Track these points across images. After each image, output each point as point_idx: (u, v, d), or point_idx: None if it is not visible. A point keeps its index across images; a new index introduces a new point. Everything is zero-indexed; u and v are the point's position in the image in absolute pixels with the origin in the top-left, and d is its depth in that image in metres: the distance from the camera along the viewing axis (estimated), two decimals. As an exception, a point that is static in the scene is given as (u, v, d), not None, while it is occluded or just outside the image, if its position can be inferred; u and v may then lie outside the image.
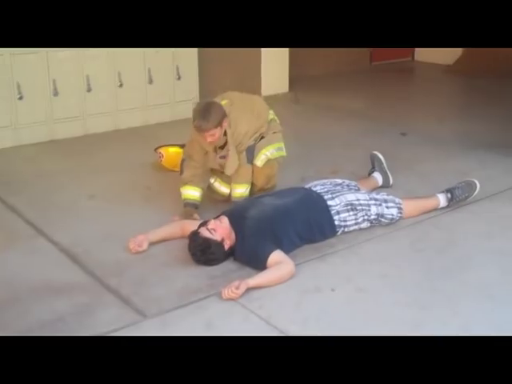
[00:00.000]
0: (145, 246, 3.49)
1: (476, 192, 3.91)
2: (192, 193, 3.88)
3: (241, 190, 3.92)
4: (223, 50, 5.56)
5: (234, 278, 3.11)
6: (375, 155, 4.35)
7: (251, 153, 3.90)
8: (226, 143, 3.83)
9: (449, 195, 3.87)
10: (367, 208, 3.61)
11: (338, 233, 3.58)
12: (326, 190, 3.66)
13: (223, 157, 3.87)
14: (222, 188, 4.07)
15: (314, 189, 3.68)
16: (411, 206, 3.79)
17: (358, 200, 3.60)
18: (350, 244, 3.52)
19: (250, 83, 6.97)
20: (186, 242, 3.38)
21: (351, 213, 3.57)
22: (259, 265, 3.20)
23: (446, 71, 8.00)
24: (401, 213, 3.72)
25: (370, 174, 4.32)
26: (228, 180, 4.01)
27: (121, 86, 5.82)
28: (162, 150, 4.76)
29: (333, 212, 3.54)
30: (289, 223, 3.41)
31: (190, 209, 3.86)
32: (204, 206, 3.97)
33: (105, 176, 4.67)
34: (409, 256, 3.40)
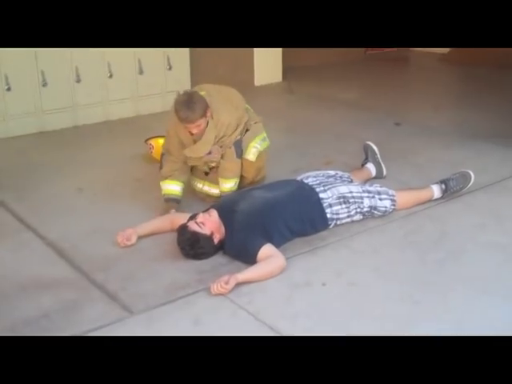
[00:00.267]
0: (133, 239, 3.42)
1: (471, 183, 3.85)
2: (172, 187, 3.79)
3: (229, 185, 3.85)
4: (215, 39, 5.48)
5: (224, 272, 3.05)
6: (368, 146, 4.29)
7: (239, 147, 3.82)
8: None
9: (443, 186, 3.80)
10: (360, 200, 3.54)
11: (331, 226, 3.52)
12: (318, 182, 3.60)
13: (209, 152, 3.75)
14: (213, 190, 3.96)
15: (306, 181, 3.61)
16: (405, 198, 3.73)
17: (350, 192, 3.54)
18: (342, 237, 3.46)
19: (243, 73, 6.90)
20: (176, 235, 3.31)
21: (344, 205, 3.51)
22: (249, 259, 3.14)
23: (442, 60, 7.92)
24: (394, 205, 3.66)
25: (363, 165, 4.25)
26: (216, 180, 3.91)
27: (111, 76, 5.74)
28: (153, 142, 4.69)
29: (325, 205, 3.47)
30: (279, 217, 3.34)
31: (171, 204, 3.78)
32: (193, 199, 3.90)
33: (94, 168, 4.60)
34: (402, 248, 3.33)
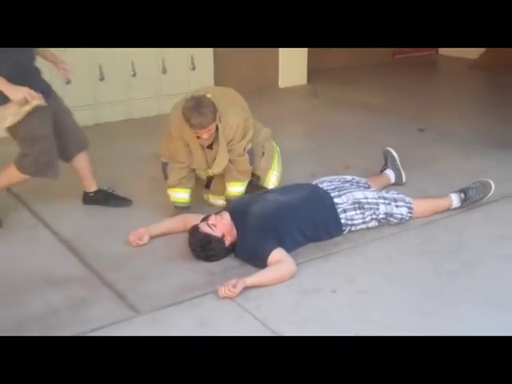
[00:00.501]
0: (145, 239, 3.42)
1: (491, 193, 3.76)
2: (180, 195, 3.73)
3: (239, 189, 3.78)
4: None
5: (234, 275, 3.03)
6: (388, 151, 4.22)
7: (251, 154, 3.74)
8: (213, 142, 3.62)
9: (462, 195, 3.73)
10: (375, 207, 3.49)
11: (345, 231, 3.47)
12: (333, 186, 3.55)
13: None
14: (219, 202, 3.89)
15: (321, 185, 3.57)
16: (422, 206, 3.66)
17: (366, 198, 3.48)
18: (356, 243, 3.41)
19: (267, 74, 6.88)
20: (188, 236, 3.30)
21: (358, 211, 3.46)
22: (259, 262, 3.11)
23: (471, 66, 7.79)
24: (411, 212, 3.59)
25: (382, 171, 4.19)
26: (219, 191, 3.86)
27: (134, 75, 5.77)
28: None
29: (339, 210, 3.43)
30: (292, 221, 3.31)
31: (181, 211, 3.73)
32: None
33: (113, 166, 4.62)
34: (416, 258, 3.27)
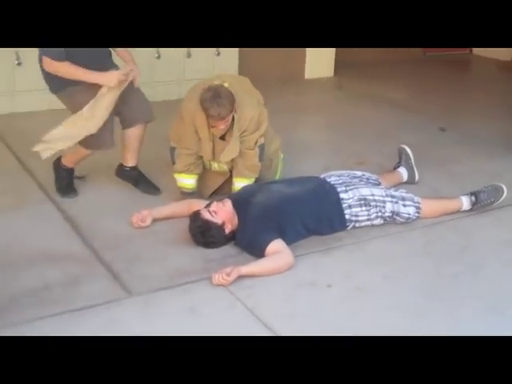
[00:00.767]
0: (148, 221, 3.42)
1: (503, 197, 3.65)
2: (187, 182, 3.70)
3: (243, 185, 3.65)
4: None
5: (231, 263, 3.01)
6: (403, 149, 4.14)
7: (263, 150, 3.66)
8: (226, 132, 3.57)
9: (473, 198, 3.64)
10: (382, 204, 3.43)
11: (349, 227, 3.42)
12: (340, 181, 3.50)
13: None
14: (221, 166, 3.75)
15: (329, 179, 3.52)
16: (431, 207, 3.59)
17: (372, 195, 3.42)
18: (359, 240, 3.36)
19: (294, 64, 6.81)
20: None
21: (364, 208, 3.40)
22: (257, 252, 3.09)
23: (502, 67, 7.61)
24: (418, 212, 3.52)
25: (395, 169, 4.11)
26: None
27: (158, 57, 5.75)
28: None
29: (344, 205, 3.38)
30: (295, 213, 3.27)
31: (188, 197, 3.70)
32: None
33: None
34: (418, 258, 3.21)
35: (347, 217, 3.39)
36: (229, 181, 3.80)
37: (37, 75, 5.24)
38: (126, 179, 3.90)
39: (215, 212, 3.19)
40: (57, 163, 3.83)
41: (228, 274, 2.86)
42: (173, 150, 3.71)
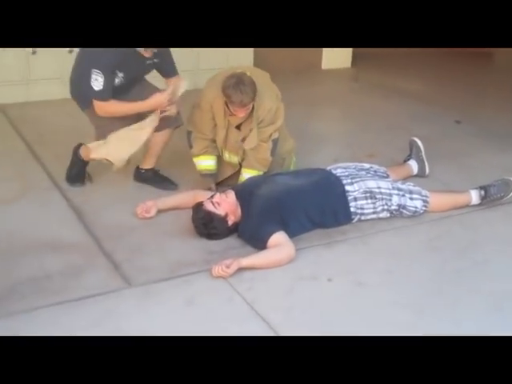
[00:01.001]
0: (152, 212, 3.41)
1: (513, 192, 3.60)
2: (207, 163, 3.71)
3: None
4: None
5: (233, 255, 2.99)
6: (414, 142, 4.08)
7: (276, 145, 3.64)
8: (242, 123, 3.58)
9: (482, 193, 3.57)
10: (388, 197, 3.38)
11: (354, 220, 3.39)
12: (346, 173, 3.46)
13: (244, 139, 3.60)
14: (232, 157, 3.76)
15: (335, 171, 3.48)
16: (439, 200, 3.53)
17: (378, 188, 3.38)
18: (364, 233, 3.32)
19: (311, 55, 6.76)
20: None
21: (369, 201, 3.36)
22: (259, 244, 3.06)
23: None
24: (426, 206, 3.47)
25: (405, 161, 4.06)
26: (235, 150, 3.72)
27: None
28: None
29: (350, 198, 3.34)
30: (299, 206, 3.24)
31: (209, 179, 3.73)
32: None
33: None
34: (422, 253, 3.16)
35: (352, 209, 3.35)
36: (237, 173, 3.79)
37: (51, 64, 5.34)
38: (144, 181, 3.86)
39: (218, 203, 3.18)
40: (76, 149, 3.82)
41: (228, 266, 2.84)
42: (189, 133, 3.71)
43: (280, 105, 3.67)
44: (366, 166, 3.66)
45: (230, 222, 3.20)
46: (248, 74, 3.49)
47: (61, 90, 5.29)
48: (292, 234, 3.14)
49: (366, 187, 3.36)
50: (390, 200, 3.38)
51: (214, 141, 3.70)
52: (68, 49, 5.20)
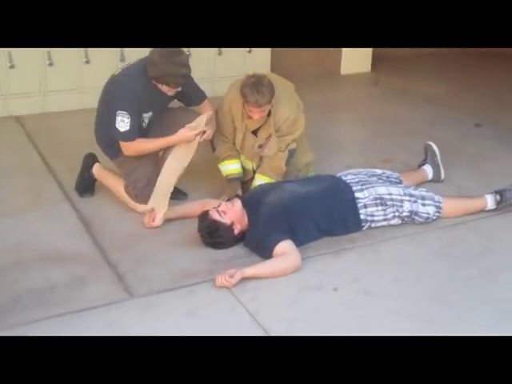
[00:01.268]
0: (159, 221, 3.39)
1: (530, 197, 3.48)
2: (233, 167, 3.67)
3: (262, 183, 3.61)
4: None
5: (238, 265, 2.95)
6: (429, 146, 3.99)
7: (292, 156, 3.61)
8: (259, 128, 3.56)
9: (498, 197, 3.47)
10: (399, 204, 3.31)
11: (364, 227, 3.32)
12: (356, 180, 3.39)
13: (260, 146, 3.57)
14: (246, 162, 3.73)
15: (345, 178, 3.42)
16: (452, 206, 3.45)
17: (389, 194, 3.31)
18: (374, 240, 3.25)
19: (329, 60, 6.66)
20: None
21: (380, 207, 3.29)
22: (265, 253, 3.02)
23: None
24: (439, 212, 3.39)
25: (420, 166, 3.97)
26: (250, 156, 3.68)
27: (189, 55, 5.68)
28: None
29: (359, 205, 3.28)
30: (307, 214, 3.19)
31: (235, 184, 3.68)
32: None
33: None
34: (433, 260, 3.09)
35: (362, 217, 3.28)
36: (250, 179, 3.76)
37: (68, 75, 5.37)
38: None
39: (224, 212, 3.14)
40: (88, 165, 3.79)
41: (231, 276, 2.80)
42: (212, 137, 3.65)
43: (300, 115, 3.63)
44: (378, 171, 3.59)
45: (236, 230, 3.16)
46: (269, 77, 3.46)
47: (77, 101, 5.37)
48: (300, 243, 3.09)
49: (377, 194, 3.29)
50: (402, 206, 3.31)
51: (234, 144, 3.69)
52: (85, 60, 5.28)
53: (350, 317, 2.64)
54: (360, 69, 6.82)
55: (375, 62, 6.84)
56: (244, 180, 3.76)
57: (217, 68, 5.89)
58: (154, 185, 3.48)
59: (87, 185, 3.79)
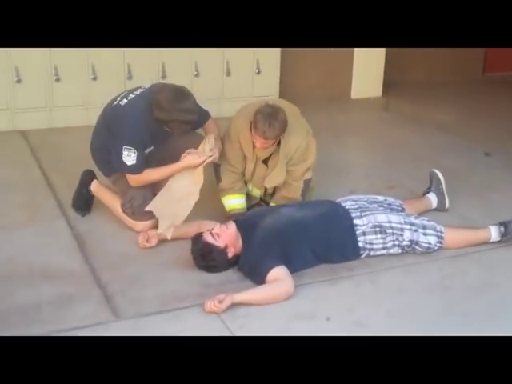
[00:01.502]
0: (153, 242, 3.33)
1: (535, 230, 3.38)
2: (236, 202, 3.60)
3: None
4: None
5: (230, 289, 2.88)
6: (434, 174, 3.91)
7: (308, 186, 3.55)
8: (270, 156, 3.48)
9: (502, 229, 3.37)
10: (399, 232, 3.22)
11: (363, 256, 3.23)
12: (356, 206, 3.31)
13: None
14: (255, 190, 3.70)
15: (345, 204, 3.34)
16: (455, 236, 3.35)
17: (389, 222, 3.22)
18: (372, 269, 3.16)
19: (339, 83, 6.63)
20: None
21: (379, 235, 3.20)
22: (258, 278, 2.95)
23: None
24: (441, 242, 3.29)
25: (424, 194, 3.89)
26: (260, 185, 3.65)
27: (197, 75, 5.70)
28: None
29: (358, 232, 3.19)
30: (303, 239, 3.11)
31: (237, 217, 3.53)
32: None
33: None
34: (432, 293, 2.98)
35: (361, 244, 3.20)
36: (256, 205, 3.73)
37: (74, 91, 5.36)
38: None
39: (218, 235, 3.07)
40: (86, 181, 3.74)
41: (220, 302, 2.72)
42: (217, 167, 3.58)
43: (311, 141, 3.56)
44: (380, 198, 3.51)
45: (230, 254, 3.08)
46: (283, 110, 3.36)
47: (83, 117, 5.35)
48: (295, 269, 3.02)
49: (376, 221, 3.20)
50: (402, 235, 3.22)
51: (243, 174, 3.60)
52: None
53: (340, 349, 2.54)
54: (371, 93, 6.76)
55: (386, 87, 6.79)
56: (249, 206, 3.69)
57: (225, 89, 5.86)
58: (150, 202, 3.41)
59: (84, 201, 3.74)
